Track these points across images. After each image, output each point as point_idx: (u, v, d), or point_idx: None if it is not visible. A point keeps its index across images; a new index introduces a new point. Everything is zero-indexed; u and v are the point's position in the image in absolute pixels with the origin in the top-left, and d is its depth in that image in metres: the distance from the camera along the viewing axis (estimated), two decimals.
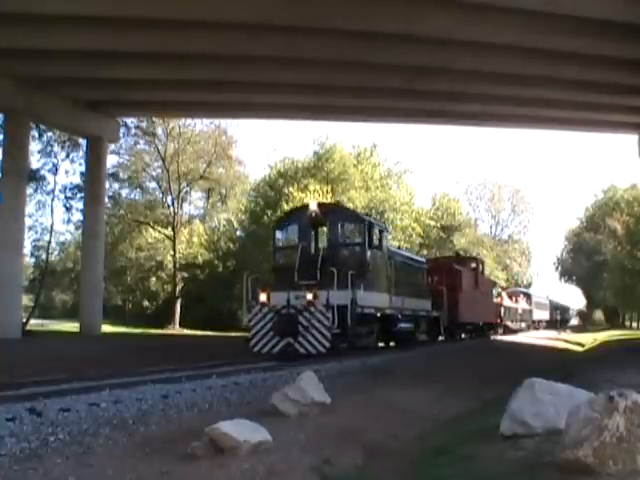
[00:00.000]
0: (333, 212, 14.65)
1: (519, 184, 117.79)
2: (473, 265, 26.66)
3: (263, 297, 13.19)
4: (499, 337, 30.56)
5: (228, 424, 4.71)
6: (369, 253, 14.15)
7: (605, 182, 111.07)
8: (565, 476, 3.69)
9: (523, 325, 41.53)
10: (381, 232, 15.47)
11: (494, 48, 16.97)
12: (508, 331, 35.68)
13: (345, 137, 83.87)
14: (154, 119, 33.69)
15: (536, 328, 46.02)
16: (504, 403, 5.44)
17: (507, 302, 37.42)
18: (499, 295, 38.00)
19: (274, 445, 4.88)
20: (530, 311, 44.68)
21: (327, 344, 12.20)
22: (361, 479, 4.90)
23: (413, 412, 7.90)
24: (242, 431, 4.70)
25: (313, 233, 14.31)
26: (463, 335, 25.83)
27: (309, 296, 12.48)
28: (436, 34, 16.24)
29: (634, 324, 62.04)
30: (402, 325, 16.57)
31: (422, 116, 24.73)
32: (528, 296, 45.81)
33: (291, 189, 31.75)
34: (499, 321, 32.87)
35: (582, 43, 16.30)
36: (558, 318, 57.44)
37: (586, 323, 69.74)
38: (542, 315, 50.75)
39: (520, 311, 40.24)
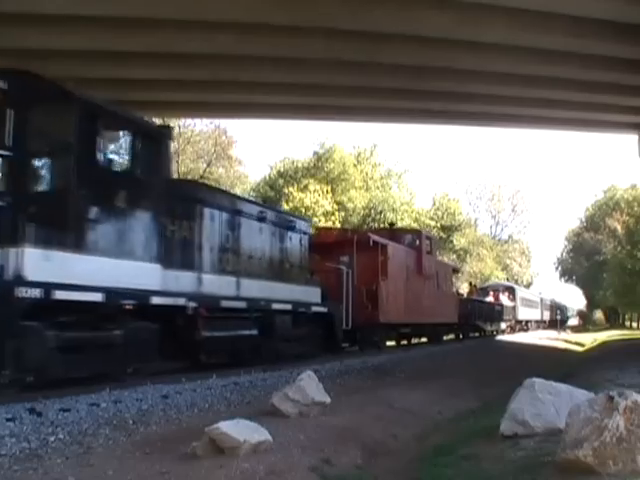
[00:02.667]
0: (19, 86, 7.17)
1: (519, 184, 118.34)
2: (415, 241, 19.20)
3: None
4: (499, 337, 30.45)
5: (228, 424, 4.71)
6: (83, 171, 7.24)
7: (605, 182, 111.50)
8: (565, 476, 3.69)
9: (503, 326, 34.17)
10: (154, 139, 8.63)
11: (494, 48, 16.94)
12: (478, 333, 29.10)
13: (345, 137, 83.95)
14: (154, 119, 33.68)
15: (524, 329, 40.10)
16: (504, 403, 5.45)
17: (481, 297, 31.44)
18: (472, 289, 32.32)
19: (274, 445, 4.88)
20: (513, 309, 37.31)
21: None
22: (361, 479, 4.90)
23: (413, 412, 7.90)
24: (242, 431, 4.70)
25: None
26: (402, 342, 19.69)
27: None
28: (435, 34, 16.19)
29: (634, 324, 62.06)
30: (221, 332, 9.50)
31: (422, 116, 24.66)
32: (511, 291, 38.73)
33: (291, 189, 31.78)
34: (467, 321, 25.58)
35: (582, 43, 16.27)
36: (558, 318, 56.58)
37: (586, 323, 69.76)
38: (531, 314, 43.92)
39: (499, 309, 32.90)
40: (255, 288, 10.64)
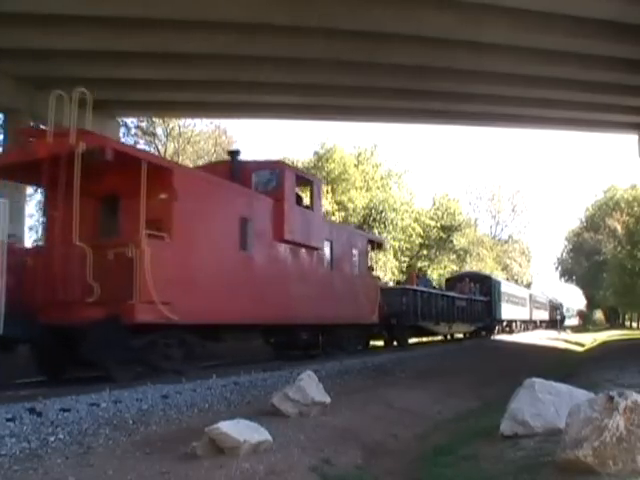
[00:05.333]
0: None
1: (519, 184, 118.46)
2: (272, 183, 11.59)
3: None
4: (498, 337, 30.25)
5: (228, 424, 4.70)
6: None
7: (605, 182, 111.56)
8: (565, 476, 3.69)
9: (472, 328, 26.14)
10: None
11: (495, 48, 16.97)
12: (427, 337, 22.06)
13: (346, 137, 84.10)
14: (154, 119, 33.69)
15: (505, 331, 32.79)
16: (504, 403, 5.45)
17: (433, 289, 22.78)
18: (410, 276, 23.59)
19: (274, 445, 4.88)
20: (487, 305, 28.25)
21: None
22: (361, 479, 4.90)
23: (413, 412, 7.90)
24: (242, 431, 4.70)
25: None
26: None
27: None
28: (436, 34, 16.23)
29: (634, 324, 62.05)
30: None
31: (423, 116, 24.70)
32: (484, 282, 29.44)
33: None
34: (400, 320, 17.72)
35: (583, 43, 16.30)
36: (557, 318, 56.07)
37: (586, 323, 69.75)
38: (515, 312, 35.16)
39: (462, 304, 24.19)
40: None
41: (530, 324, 41.74)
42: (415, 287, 20.13)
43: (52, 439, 5.01)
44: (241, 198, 10.70)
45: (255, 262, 10.80)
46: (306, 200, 13.44)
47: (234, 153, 12.53)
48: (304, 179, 13.00)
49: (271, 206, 11.24)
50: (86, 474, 4.22)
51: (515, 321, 35.87)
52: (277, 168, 12.03)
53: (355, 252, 14.82)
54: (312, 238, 12.41)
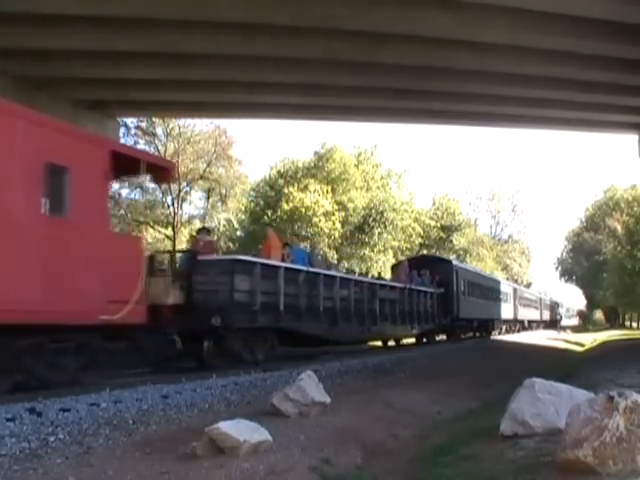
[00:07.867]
0: None
1: (519, 184, 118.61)
2: None
3: None
4: (499, 337, 30.13)
5: (228, 424, 4.71)
6: None
7: (605, 182, 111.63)
8: (565, 476, 3.69)
9: (415, 330, 18.66)
10: None
11: (494, 48, 16.96)
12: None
13: (346, 137, 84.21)
14: (154, 119, 33.69)
15: (480, 336, 25.56)
16: (504, 403, 5.45)
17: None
18: (267, 241, 13.56)
19: (274, 445, 4.88)
20: (444, 299, 20.73)
21: None
22: (361, 479, 4.90)
23: (413, 412, 7.90)
24: (242, 431, 4.70)
25: None
26: None
27: None
28: (436, 34, 16.22)
29: (634, 324, 62.05)
30: None
31: (423, 116, 24.69)
32: (441, 268, 21.55)
33: (291, 189, 31.76)
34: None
35: (582, 43, 16.29)
36: (557, 318, 55.63)
37: (586, 323, 69.79)
38: (491, 311, 27.75)
39: (393, 297, 16.67)
40: None
41: (515, 325, 34.53)
42: (267, 261, 11.35)
43: (52, 439, 5.01)
44: None
45: None
46: None
47: None
48: None
49: None
50: (86, 474, 4.23)
51: (491, 320, 27.51)
52: None
53: (56, 175, 7.29)
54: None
